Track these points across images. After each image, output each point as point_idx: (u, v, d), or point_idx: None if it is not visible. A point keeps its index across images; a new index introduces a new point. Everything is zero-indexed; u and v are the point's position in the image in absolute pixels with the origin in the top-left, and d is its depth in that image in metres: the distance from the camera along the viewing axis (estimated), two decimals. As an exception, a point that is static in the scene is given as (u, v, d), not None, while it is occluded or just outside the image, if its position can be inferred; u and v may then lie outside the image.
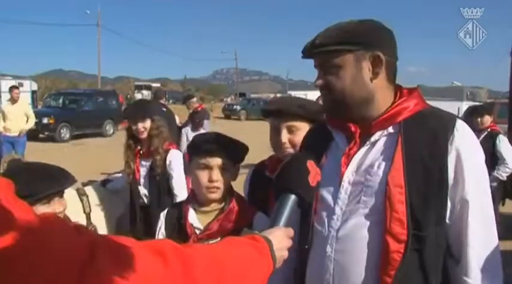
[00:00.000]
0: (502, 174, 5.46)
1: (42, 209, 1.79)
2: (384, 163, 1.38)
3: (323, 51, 1.41)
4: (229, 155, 1.85)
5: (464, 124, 1.40)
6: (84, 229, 0.80)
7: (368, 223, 1.37)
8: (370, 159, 1.41)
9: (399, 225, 1.31)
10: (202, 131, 7.27)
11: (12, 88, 9.92)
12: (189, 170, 1.95)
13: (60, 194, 1.94)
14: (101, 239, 0.80)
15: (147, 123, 3.65)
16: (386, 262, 1.32)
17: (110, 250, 0.78)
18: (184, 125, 8.14)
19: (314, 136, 1.66)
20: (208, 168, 1.82)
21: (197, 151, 1.88)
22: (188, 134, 7.59)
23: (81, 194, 3.51)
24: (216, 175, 1.81)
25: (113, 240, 0.83)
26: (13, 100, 9.75)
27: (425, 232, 1.32)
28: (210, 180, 1.81)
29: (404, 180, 1.32)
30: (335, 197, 1.44)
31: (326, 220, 1.45)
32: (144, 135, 3.65)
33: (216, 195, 1.83)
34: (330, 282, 1.41)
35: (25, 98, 18.13)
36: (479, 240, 1.34)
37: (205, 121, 8.08)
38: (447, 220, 1.36)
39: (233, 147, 1.90)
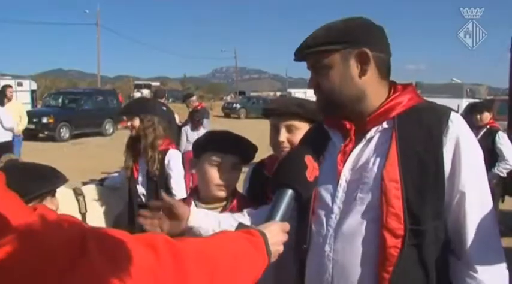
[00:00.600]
0: (503, 170, 5.47)
1: None
2: (378, 159, 1.38)
3: (312, 53, 1.42)
4: (242, 155, 1.87)
5: (459, 116, 1.40)
6: (76, 221, 0.80)
7: (365, 220, 1.36)
8: (366, 156, 1.41)
9: (396, 220, 1.30)
10: (202, 130, 7.26)
11: (5, 87, 9.82)
12: (194, 166, 1.94)
13: (52, 193, 1.94)
14: (92, 231, 0.79)
15: (136, 122, 3.62)
16: (384, 258, 1.31)
17: (101, 241, 0.78)
18: (184, 124, 8.13)
19: (312, 135, 1.66)
20: (221, 165, 1.83)
21: (211, 147, 1.87)
22: (188, 133, 7.58)
23: (78, 194, 3.50)
24: (228, 173, 1.82)
25: (104, 232, 0.83)
26: (7, 99, 9.62)
27: (423, 227, 1.31)
28: (222, 178, 1.81)
29: (400, 175, 1.32)
30: (333, 196, 1.44)
31: (324, 219, 1.45)
32: (133, 133, 3.66)
33: (224, 193, 1.84)
34: (330, 282, 1.40)
35: (20, 97, 18.15)
36: (480, 232, 1.32)
37: (205, 120, 8.08)
38: (445, 214, 1.35)
39: (246, 147, 1.92)
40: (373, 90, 1.42)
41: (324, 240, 1.43)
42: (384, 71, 1.44)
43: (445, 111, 1.39)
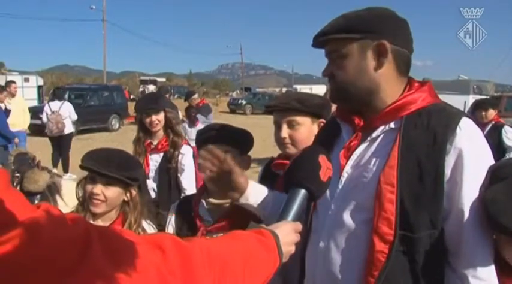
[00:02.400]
0: None
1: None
2: (379, 160, 1.33)
3: (330, 40, 1.37)
4: (228, 142, 1.82)
5: (471, 122, 1.32)
6: (80, 219, 0.79)
7: (358, 221, 1.34)
8: (369, 155, 1.37)
9: (387, 225, 1.26)
10: (200, 126, 7.22)
11: (9, 83, 9.86)
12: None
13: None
14: (97, 230, 0.78)
15: (161, 116, 3.64)
16: (371, 262, 1.28)
17: (105, 241, 0.77)
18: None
19: (326, 130, 1.64)
20: None
21: (199, 142, 1.88)
22: (186, 130, 7.54)
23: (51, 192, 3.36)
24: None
25: (110, 232, 0.83)
26: (11, 95, 9.65)
27: (416, 234, 1.26)
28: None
29: (397, 179, 1.27)
30: (333, 192, 1.41)
31: (322, 215, 1.44)
32: (158, 128, 3.65)
33: (220, 185, 1.80)
34: (323, 279, 1.39)
35: (27, 93, 18.23)
36: (478, 249, 1.26)
37: (200, 117, 7.98)
38: (443, 224, 1.28)
39: (232, 134, 1.87)
40: (387, 86, 1.37)
41: (319, 236, 1.41)
42: (402, 66, 1.39)
43: (456, 116, 1.31)
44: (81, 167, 1.97)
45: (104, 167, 1.91)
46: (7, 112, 9.13)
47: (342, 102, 1.46)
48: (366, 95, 1.38)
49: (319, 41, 1.41)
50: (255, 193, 1.53)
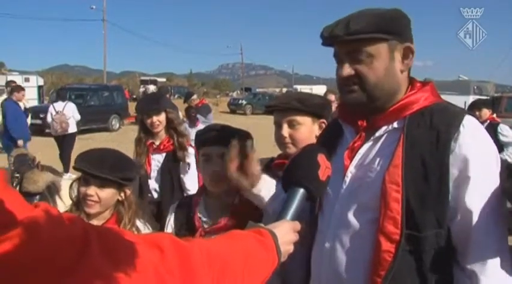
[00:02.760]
0: (511, 155, 5.69)
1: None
2: (383, 160, 1.33)
3: (357, 39, 1.30)
4: (228, 143, 1.77)
5: (474, 120, 1.32)
6: (77, 219, 0.78)
7: (363, 221, 1.33)
8: (373, 155, 1.37)
9: (392, 224, 1.26)
10: (200, 126, 7.20)
11: (9, 83, 9.91)
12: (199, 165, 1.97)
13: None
14: (95, 229, 0.78)
15: (162, 116, 3.62)
16: (377, 262, 1.28)
17: (103, 240, 0.76)
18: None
19: (328, 132, 1.64)
20: (210, 158, 1.81)
21: (198, 143, 1.88)
22: (187, 130, 7.51)
23: (51, 193, 3.24)
24: (217, 165, 1.78)
25: (108, 231, 0.83)
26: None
27: (422, 233, 1.25)
28: (213, 170, 1.79)
29: (402, 178, 1.26)
30: (337, 192, 1.41)
31: (327, 215, 1.43)
32: (160, 129, 3.63)
33: (220, 186, 1.81)
34: (328, 278, 1.39)
35: (27, 93, 18.25)
36: (486, 248, 1.24)
37: (199, 117, 7.96)
38: (449, 223, 1.27)
39: (230, 135, 1.82)
40: (402, 88, 1.38)
41: (325, 237, 1.41)
42: (411, 68, 1.41)
43: (459, 115, 1.31)
44: (75, 168, 1.98)
45: (97, 168, 1.91)
46: (26, 111, 9.22)
47: (362, 105, 1.38)
48: (387, 97, 1.36)
49: (345, 39, 1.31)
50: (268, 186, 1.57)
